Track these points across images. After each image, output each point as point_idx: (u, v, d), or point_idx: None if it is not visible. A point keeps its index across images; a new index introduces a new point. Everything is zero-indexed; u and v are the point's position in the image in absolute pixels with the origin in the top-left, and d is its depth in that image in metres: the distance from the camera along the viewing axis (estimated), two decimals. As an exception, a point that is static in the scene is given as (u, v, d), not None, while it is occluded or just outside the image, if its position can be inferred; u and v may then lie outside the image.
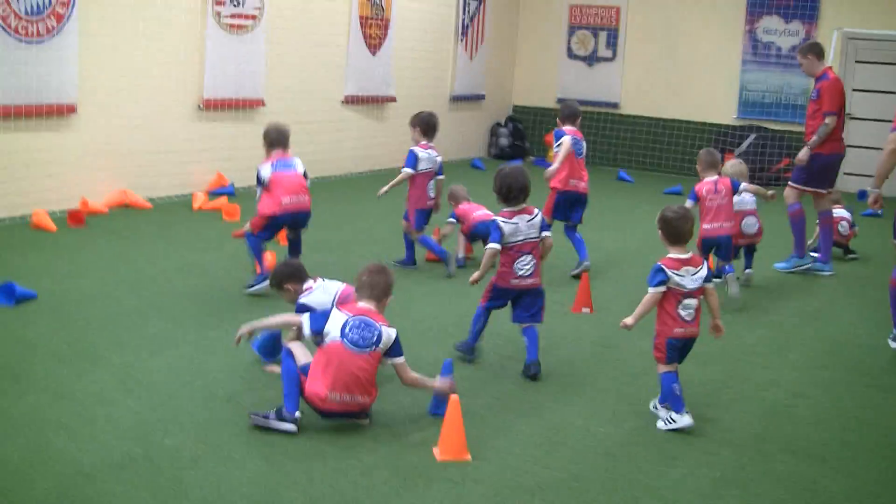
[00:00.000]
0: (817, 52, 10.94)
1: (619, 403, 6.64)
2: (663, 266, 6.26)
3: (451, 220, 10.48)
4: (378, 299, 6.10)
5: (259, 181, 8.89)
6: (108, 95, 12.16)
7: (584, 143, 10.47)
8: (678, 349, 6.32)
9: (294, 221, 9.00)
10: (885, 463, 5.96)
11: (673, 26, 19.47)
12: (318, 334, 5.89)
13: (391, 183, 10.01)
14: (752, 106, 18.91)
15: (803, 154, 10.74)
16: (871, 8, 17.94)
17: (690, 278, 6.27)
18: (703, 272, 6.33)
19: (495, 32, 20.04)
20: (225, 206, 12.24)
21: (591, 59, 20.28)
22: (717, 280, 10.12)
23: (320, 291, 6.77)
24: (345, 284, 6.81)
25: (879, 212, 12.44)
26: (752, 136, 18.52)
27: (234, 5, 13.55)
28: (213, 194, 13.24)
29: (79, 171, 11.92)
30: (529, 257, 7.13)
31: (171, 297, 8.53)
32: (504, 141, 20.22)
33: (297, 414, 5.82)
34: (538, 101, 20.81)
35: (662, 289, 6.25)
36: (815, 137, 10.64)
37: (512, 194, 7.18)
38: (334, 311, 5.99)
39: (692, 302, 6.28)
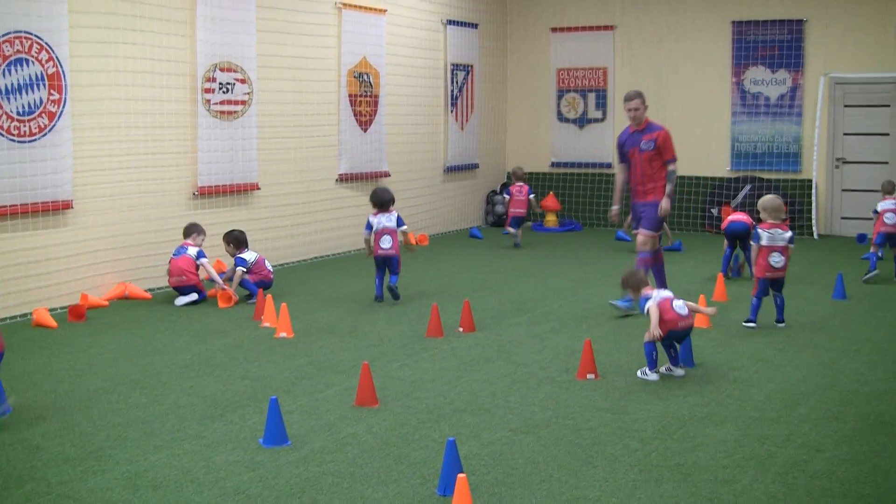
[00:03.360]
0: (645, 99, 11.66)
1: (631, 471, 6.56)
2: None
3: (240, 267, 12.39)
4: None
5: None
6: (103, 189, 12.21)
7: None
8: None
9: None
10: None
11: (661, 83, 19.58)
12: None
13: None
14: (745, 157, 18.98)
15: (667, 204, 11.50)
16: (856, 52, 18.09)
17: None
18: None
19: (484, 101, 20.18)
20: (221, 293, 12.17)
21: (582, 121, 20.39)
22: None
23: (247, 254, 12.25)
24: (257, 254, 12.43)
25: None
26: (748, 186, 18.55)
27: (224, 92, 13.64)
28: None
29: (77, 266, 11.93)
30: (389, 237, 12.02)
31: (175, 391, 8.48)
32: (500, 208, 20.22)
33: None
34: (532, 167, 20.86)
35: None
36: (669, 186, 11.51)
37: (381, 203, 12.17)
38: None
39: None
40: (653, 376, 8.69)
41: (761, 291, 10.78)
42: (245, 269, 12.29)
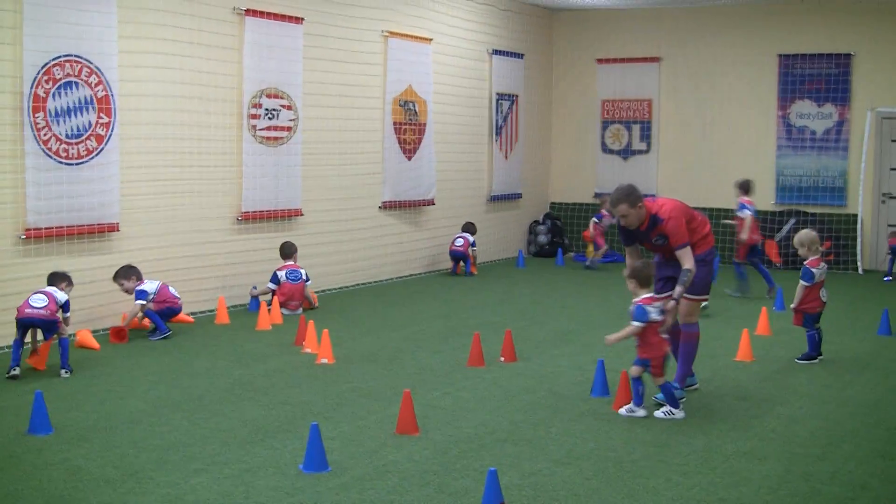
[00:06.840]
0: (640, 196, 9.16)
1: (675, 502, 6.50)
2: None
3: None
4: None
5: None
6: (148, 213, 12.30)
7: None
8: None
9: None
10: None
11: (706, 115, 19.54)
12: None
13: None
14: (790, 190, 18.86)
15: (672, 309, 8.69)
16: (904, 87, 17.96)
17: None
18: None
19: (529, 131, 20.18)
20: (262, 317, 12.22)
21: (626, 153, 20.34)
22: None
23: (148, 283, 11.53)
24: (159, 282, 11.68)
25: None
26: (792, 220, 18.43)
27: (269, 118, 13.73)
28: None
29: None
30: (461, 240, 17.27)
31: (216, 414, 8.49)
32: (543, 238, 20.22)
33: None
34: (575, 197, 20.84)
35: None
36: (679, 288, 8.72)
37: (467, 228, 17.25)
38: None
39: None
40: (640, 412, 8.46)
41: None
42: (144, 302, 11.45)
